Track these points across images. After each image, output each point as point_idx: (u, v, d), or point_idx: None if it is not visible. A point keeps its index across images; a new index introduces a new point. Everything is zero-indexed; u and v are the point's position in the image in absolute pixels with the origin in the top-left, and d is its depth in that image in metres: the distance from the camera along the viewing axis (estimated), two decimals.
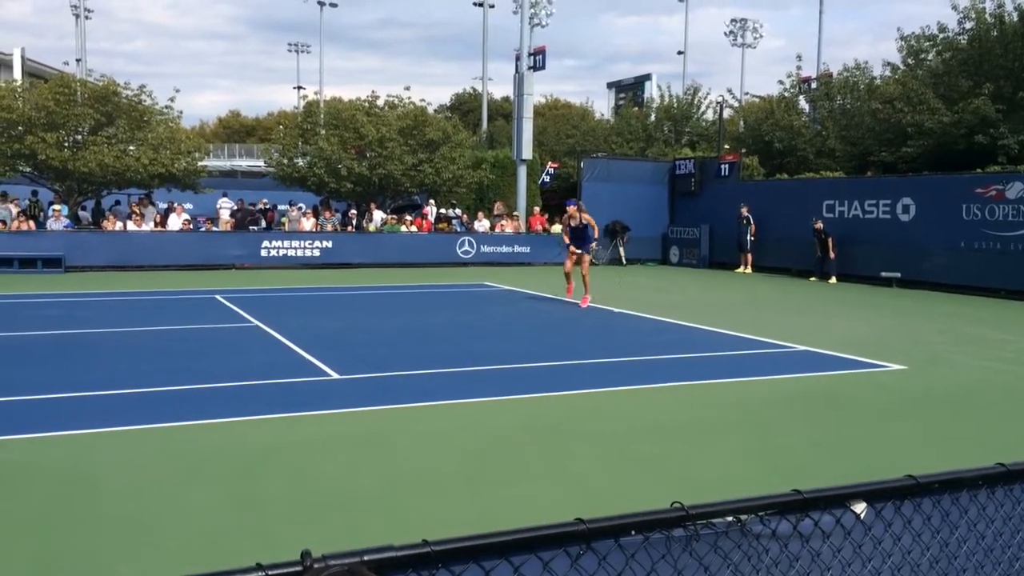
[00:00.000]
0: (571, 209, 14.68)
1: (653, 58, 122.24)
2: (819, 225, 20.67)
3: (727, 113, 32.86)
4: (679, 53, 56.75)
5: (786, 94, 32.17)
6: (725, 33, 60.82)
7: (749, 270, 23.31)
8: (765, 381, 8.74)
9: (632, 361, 9.79)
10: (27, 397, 7.44)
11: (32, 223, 21.56)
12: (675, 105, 37.00)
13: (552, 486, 5.39)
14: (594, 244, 15.10)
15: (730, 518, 1.76)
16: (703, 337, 11.68)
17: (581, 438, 6.47)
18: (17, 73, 42.44)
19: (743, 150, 29.53)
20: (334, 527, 4.64)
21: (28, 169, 23.61)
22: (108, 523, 4.62)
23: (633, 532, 1.64)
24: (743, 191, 24.46)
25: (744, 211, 23.20)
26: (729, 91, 35.79)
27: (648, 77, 50.48)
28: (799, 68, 32.37)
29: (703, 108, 37.02)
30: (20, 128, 22.42)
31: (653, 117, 37.44)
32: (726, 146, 29.36)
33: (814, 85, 32.60)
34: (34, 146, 21.99)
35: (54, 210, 21.88)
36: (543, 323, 13.33)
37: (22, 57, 45.94)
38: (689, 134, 36.20)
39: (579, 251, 14.54)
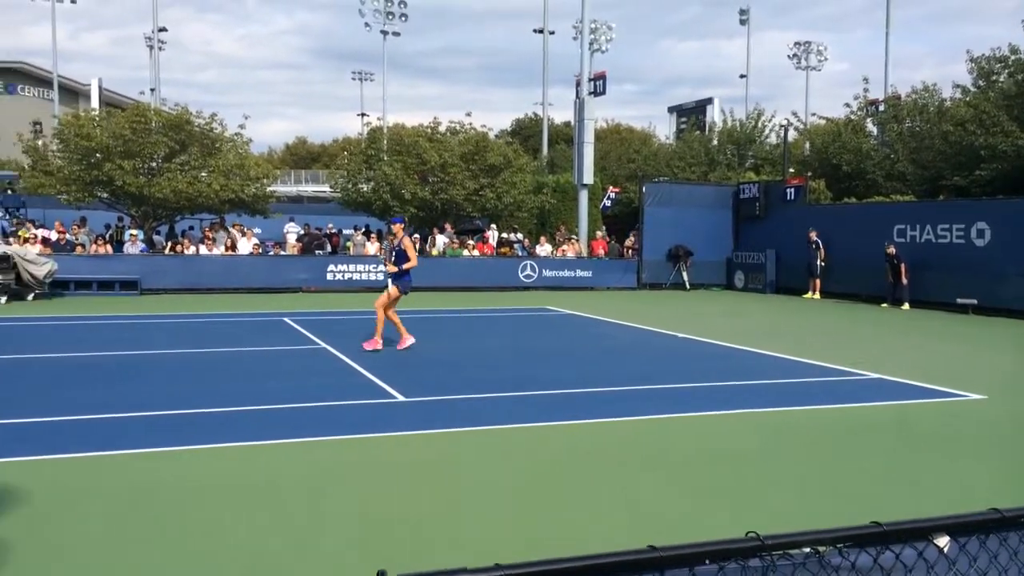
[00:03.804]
0: (396, 228, 12.10)
1: (714, 82, 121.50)
2: (891, 250, 20.18)
3: (792, 136, 32.44)
4: (741, 76, 56.37)
5: (853, 116, 31.63)
6: (788, 56, 60.07)
7: (817, 296, 22.86)
8: (837, 409, 8.53)
9: (697, 387, 9.65)
10: (104, 416, 7.66)
11: (110, 247, 22.32)
12: (738, 128, 36.66)
13: (617, 512, 5.33)
14: (392, 267, 11.85)
15: (807, 549, 1.72)
16: (771, 364, 11.47)
17: (646, 464, 6.40)
18: (95, 103, 44.23)
19: (809, 173, 29.08)
20: (398, 549, 4.66)
21: (106, 195, 24.45)
22: (178, 541, 4.71)
23: (708, 561, 1.61)
24: (810, 215, 24.05)
25: (813, 235, 22.81)
26: (794, 114, 35.37)
27: (710, 101, 50.16)
28: (866, 90, 31.82)
29: (767, 131, 36.60)
30: (98, 156, 23.26)
31: (716, 141, 37.14)
32: (791, 169, 28.95)
33: (882, 107, 31.99)
34: (112, 173, 22.77)
35: (131, 234, 22.61)
36: (606, 348, 13.25)
37: (99, 87, 47.88)
38: (753, 158, 35.80)
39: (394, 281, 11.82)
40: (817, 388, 9.77)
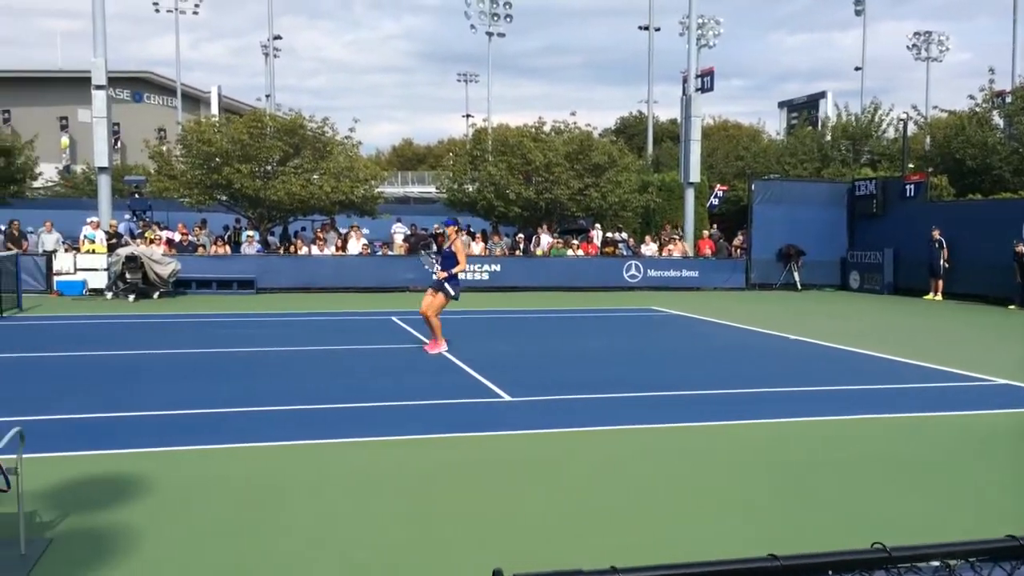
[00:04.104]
0: (450, 230, 12.09)
1: (827, 75, 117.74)
2: (1021, 248, 19.08)
3: (911, 130, 31.04)
4: (856, 69, 54.38)
5: (978, 109, 30.05)
6: (908, 47, 57.54)
7: (939, 297, 21.83)
8: (964, 416, 8.12)
9: (812, 391, 9.36)
10: (221, 410, 8.00)
11: (228, 248, 23.29)
12: (853, 123, 35.37)
13: (732, 518, 5.21)
14: (442, 274, 11.53)
15: (937, 563, 1.63)
16: (890, 368, 11.02)
17: (758, 469, 6.23)
18: (214, 109, 46.26)
19: (930, 169, 27.81)
20: (511, 548, 4.67)
21: (225, 198, 25.51)
22: (292, 533, 4.86)
23: (830, 572, 1.55)
24: (931, 212, 22.98)
25: (936, 234, 21.80)
26: (914, 107, 33.73)
27: (823, 95, 48.62)
28: (992, 81, 30.20)
29: (884, 126, 35.17)
30: (218, 160, 24.28)
31: (829, 136, 35.93)
32: (911, 165, 27.73)
33: (1009, 99, 30.26)
34: (230, 176, 23.74)
35: (247, 236, 23.54)
36: (714, 349, 13.00)
37: (219, 95, 50.07)
38: (869, 153, 34.47)
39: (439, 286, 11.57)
40: (940, 393, 9.33)
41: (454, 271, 11.50)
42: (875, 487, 5.87)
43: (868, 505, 5.49)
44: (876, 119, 35.13)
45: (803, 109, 49.40)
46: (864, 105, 37.49)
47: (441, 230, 29.10)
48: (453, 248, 11.62)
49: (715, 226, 29.01)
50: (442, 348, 11.60)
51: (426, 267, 11.85)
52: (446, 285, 11.48)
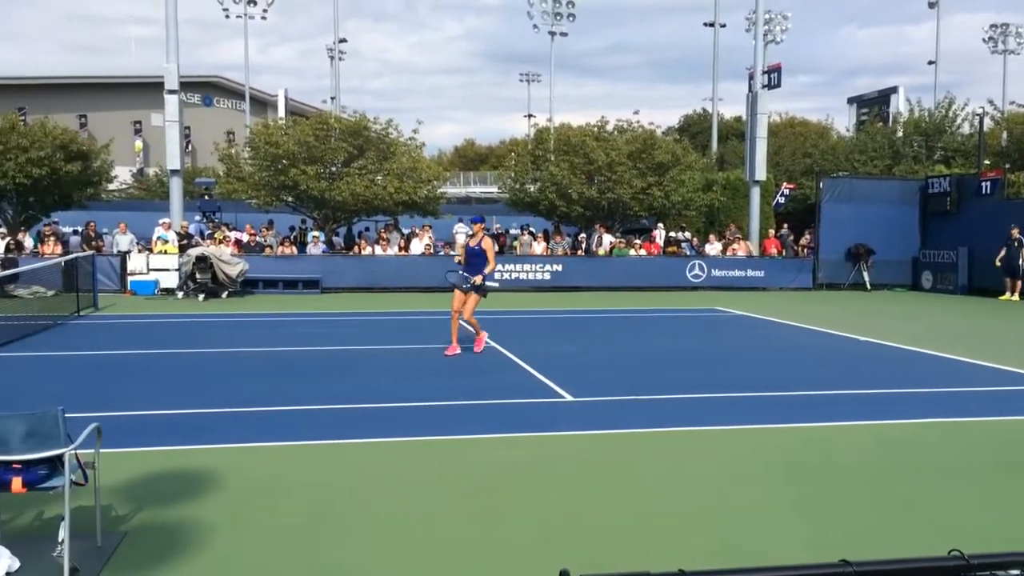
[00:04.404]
0: (477, 227, 11.79)
1: (898, 70, 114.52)
2: None
3: (987, 125, 30.03)
4: (930, 63, 52.82)
5: None
6: (983, 40, 55.74)
7: (1016, 297, 21.10)
8: None
9: (881, 394, 9.12)
10: (289, 408, 8.14)
11: (294, 248, 23.72)
12: (926, 119, 34.38)
13: (800, 522, 5.10)
14: (478, 278, 11.41)
15: (1017, 571, 1.58)
16: (963, 370, 10.69)
17: (826, 474, 6.10)
18: (281, 112, 47.14)
19: (1007, 165, 26.87)
20: (577, 547, 4.65)
21: (291, 199, 25.99)
22: (356, 533, 4.92)
23: None
24: (1008, 210, 22.21)
25: (1015, 232, 21.07)
26: (990, 102, 32.62)
27: (894, 90, 47.36)
28: None
29: (958, 121, 34.08)
30: (285, 162, 24.73)
31: (901, 132, 34.99)
32: (987, 161, 26.84)
33: None
34: (296, 178, 24.17)
35: (313, 236, 23.95)
36: (780, 350, 12.77)
37: (286, 97, 51.04)
38: (943, 150, 33.46)
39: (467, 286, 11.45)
40: (1018, 397, 9.00)
41: (487, 272, 11.47)
42: (951, 492, 5.69)
43: (944, 511, 5.33)
44: (950, 114, 34.11)
45: (873, 105, 48.23)
46: (937, 100, 36.46)
47: (502, 230, 29.23)
48: (482, 246, 11.49)
49: (785, 226, 28.49)
50: (484, 337, 11.76)
51: (464, 287, 11.61)
52: (485, 284, 11.49)
